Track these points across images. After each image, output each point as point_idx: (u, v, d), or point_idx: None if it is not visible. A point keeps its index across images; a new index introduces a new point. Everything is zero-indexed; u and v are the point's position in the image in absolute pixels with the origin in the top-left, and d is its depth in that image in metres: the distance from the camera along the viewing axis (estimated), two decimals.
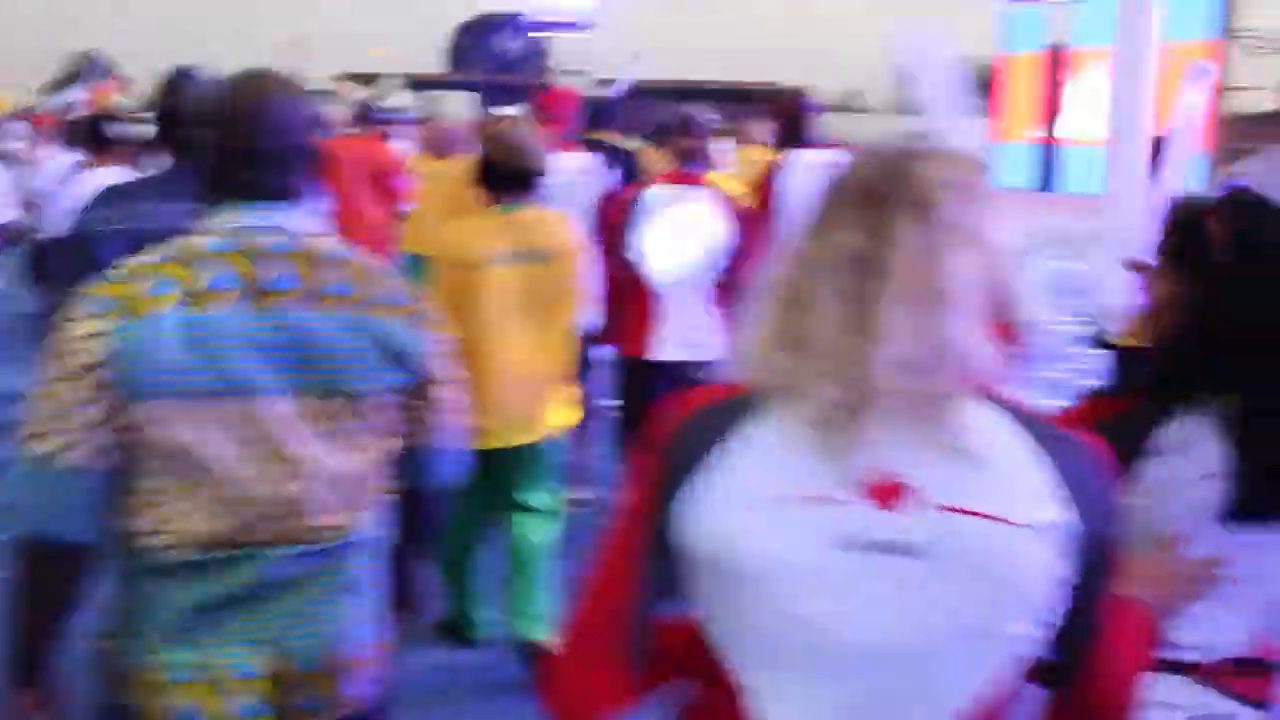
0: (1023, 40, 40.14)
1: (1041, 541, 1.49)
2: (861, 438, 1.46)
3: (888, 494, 1.47)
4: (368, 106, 9.37)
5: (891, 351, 1.45)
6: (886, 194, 1.49)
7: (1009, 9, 40.99)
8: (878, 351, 1.45)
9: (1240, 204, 2.14)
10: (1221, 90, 33.46)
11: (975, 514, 1.48)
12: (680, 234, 4.88)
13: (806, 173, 5.27)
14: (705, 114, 5.23)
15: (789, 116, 5.71)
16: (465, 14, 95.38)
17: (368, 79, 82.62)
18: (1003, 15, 41.48)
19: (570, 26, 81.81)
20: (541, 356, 4.40)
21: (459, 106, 73.32)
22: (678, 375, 4.85)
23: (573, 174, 6.17)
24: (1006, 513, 1.48)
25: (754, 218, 5.15)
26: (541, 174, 4.32)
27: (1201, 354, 2.07)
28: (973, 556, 1.47)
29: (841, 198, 1.55)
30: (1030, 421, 1.55)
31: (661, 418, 1.65)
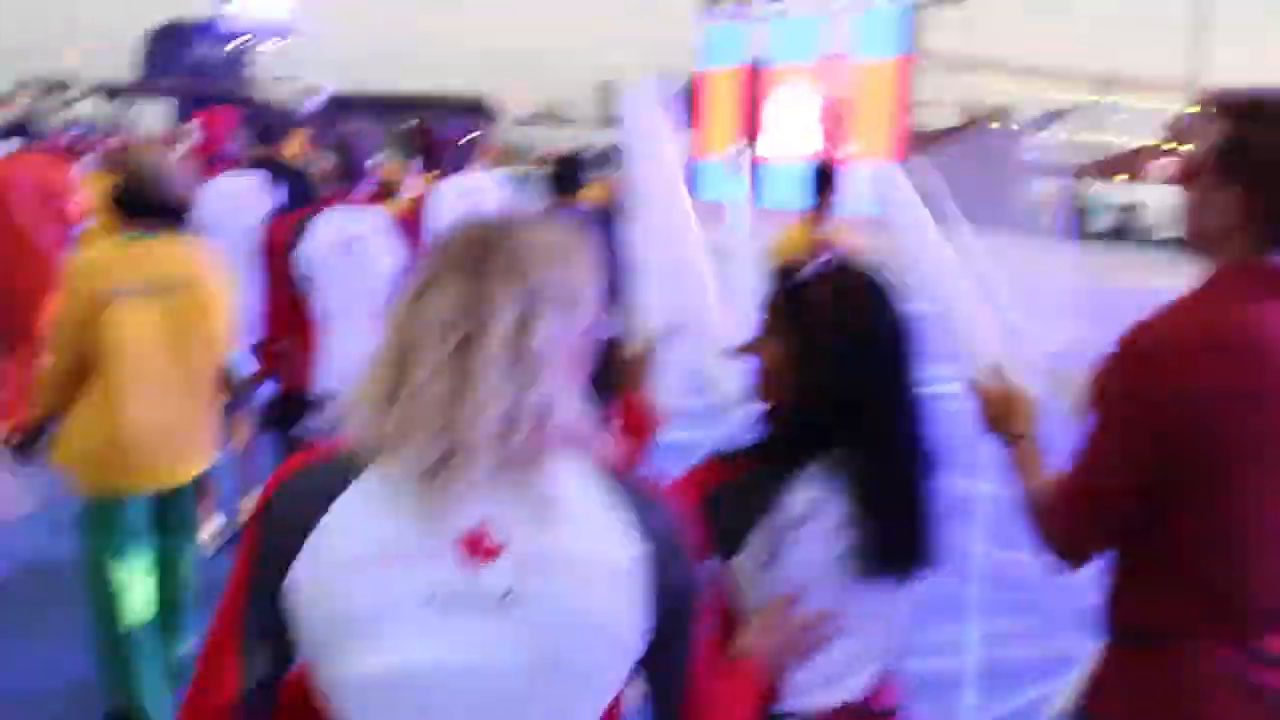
0: (723, 56, 41.23)
1: (622, 587, 1.60)
2: (456, 494, 1.53)
3: (478, 549, 1.55)
4: (37, 119, 8.32)
5: (487, 411, 1.53)
6: (485, 260, 1.59)
7: (709, 25, 42.01)
8: (474, 411, 1.54)
9: (841, 269, 2.20)
10: (908, 106, 35.34)
11: (560, 563, 1.57)
12: (346, 259, 4.68)
13: (455, 201, 5.17)
14: (374, 131, 5.13)
15: (424, 145, 5.47)
16: (160, 18, 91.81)
17: (55, 87, 78.16)
18: (704, 31, 42.49)
19: (272, 33, 79.91)
20: (182, 395, 4.10)
21: (155, 116, 70.60)
22: None
23: (230, 197, 5.85)
24: (589, 561, 1.58)
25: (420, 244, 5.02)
26: (179, 200, 4.04)
27: (815, 415, 2.13)
28: (559, 603, 1.56)
29: (444, 262, 1.63)
30: (615, 476, 1.66)
31: (266, 483, 1.68)
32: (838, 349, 2.11)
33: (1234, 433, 2.03)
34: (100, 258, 3.99)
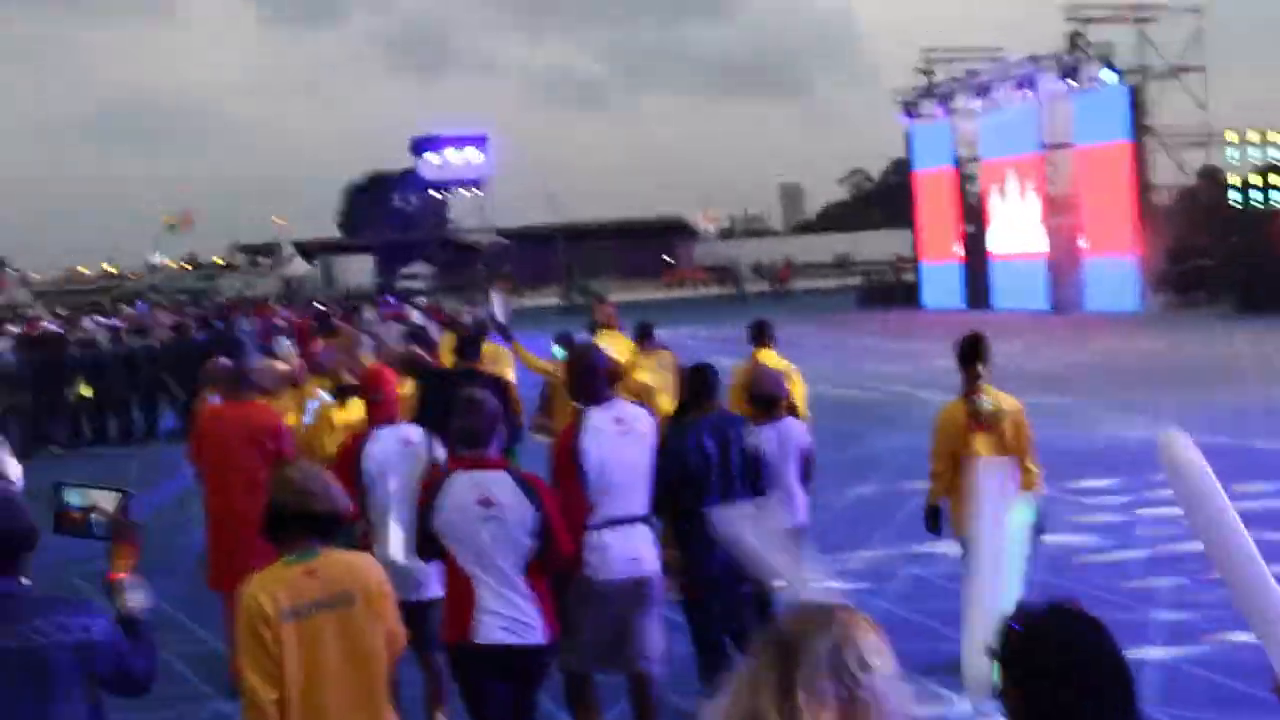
0: (932, 155, 39.47)
1: None
2: None
3: None
4: (241, 368, 7.82)
5: None
6: (796, 659, 1.81)
7: (916, 125, 40.31)
8: None
9: (1057, 614, 2.22)
10: (1141, 188, 32.84)
11: None
12: (477, 519, 4.88)
13: (604, 435, 5.43)
14: (486, 396, 5.22)
15: (579, 371, 5.77)
16: (355, 174, 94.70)
17: (261, 250, 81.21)
18: (910, 130, 40.81)
19: (467, 182, 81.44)
20: (362, 708, 4.09)
21: (358, 270, 72.38)
22: (504, 661, 4.94)
23: (394, 451, 6.03)
24: None
25: (559, 486, 5.36)
26: (336, 516, 4.09)
27: None
28: None
29: (758, 662, 1.85)
30: None
31: None
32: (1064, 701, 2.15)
33: None
34: (269, 580, 4.01)
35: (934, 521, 6.60)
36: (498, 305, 15.56)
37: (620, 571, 5.30)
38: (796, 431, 6.70)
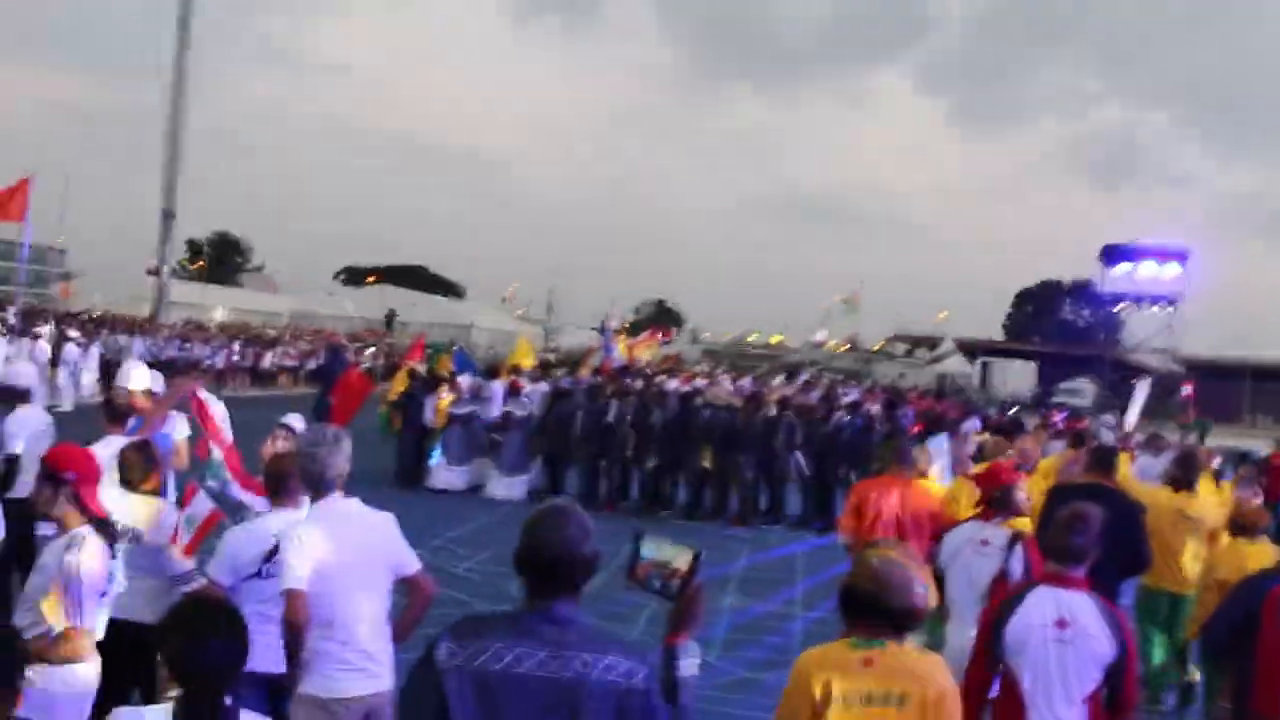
0: None
1: None
2: None
3: None
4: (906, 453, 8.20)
5: None
6: None
7: None
8: None
9: None
10: None
11: None
12: (1049, 639, 4.65)
13: None
14: (1092, 513, 4.84)
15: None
16: (1026, 280, 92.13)
17: (920, 341, 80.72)
18: None
19: (1157, 299, 76.29)
20: None
21: (1017, 376, 69.92)
22: None
23: (965, 545, 6.28)
24: None
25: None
26: (910, 611, 3.90)
27: None
28: None
29: None
30: None
31: None
32: None
33: None
34: (823, 662, 3.98)
35: None
36: (1138, 401, 13.74)
37: None
38: None
